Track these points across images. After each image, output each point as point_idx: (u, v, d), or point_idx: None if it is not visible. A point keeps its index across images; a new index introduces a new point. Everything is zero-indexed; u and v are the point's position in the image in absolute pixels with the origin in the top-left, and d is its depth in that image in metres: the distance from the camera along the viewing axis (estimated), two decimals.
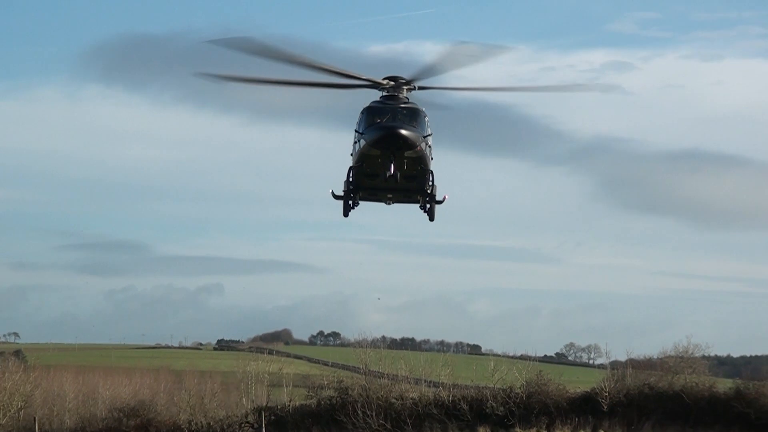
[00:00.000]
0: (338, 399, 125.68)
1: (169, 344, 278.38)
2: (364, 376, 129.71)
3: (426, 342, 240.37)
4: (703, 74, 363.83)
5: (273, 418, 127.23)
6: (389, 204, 58.41)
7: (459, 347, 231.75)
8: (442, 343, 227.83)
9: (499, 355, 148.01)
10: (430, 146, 54.21)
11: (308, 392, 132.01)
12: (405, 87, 53.53)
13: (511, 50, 55.32)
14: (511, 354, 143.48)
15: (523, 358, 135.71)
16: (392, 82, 53.42)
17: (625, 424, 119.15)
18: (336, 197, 57.29)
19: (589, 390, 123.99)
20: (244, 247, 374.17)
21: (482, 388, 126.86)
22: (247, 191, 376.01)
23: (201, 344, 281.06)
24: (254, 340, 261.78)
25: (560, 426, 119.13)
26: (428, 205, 56.89)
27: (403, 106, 53.07)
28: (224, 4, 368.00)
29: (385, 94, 53.84)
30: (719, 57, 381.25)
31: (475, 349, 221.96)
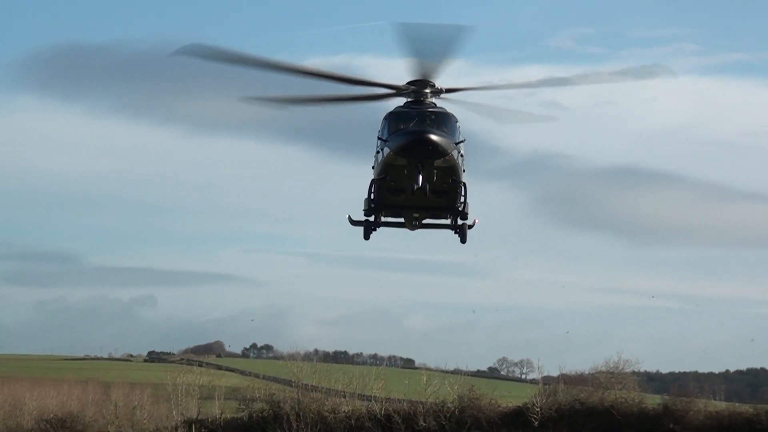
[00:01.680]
0: (270, 412, 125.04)
1: (99, 356, 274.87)
2: (296, 389, 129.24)
3: (359, 355, 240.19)
4: (638, 91, 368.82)
5: (204, 430, 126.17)
6: (414, 228, 52.19)
7: (392, 361, 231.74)
8: (375, 356, 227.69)
9: (432, 369, 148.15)
10: (462, 155, 48.41)
11: (240, 405, 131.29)
12: (431, 91, 48.58)
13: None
14: (444, 368, 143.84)
15: (455, 372, 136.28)
16: (417, 87, 48.57)
17: None
18: (354, 223, 51.52)
19: (520, 405, 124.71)
20: (178, 259, 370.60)
21: (415, 401, 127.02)
22: (183, 203, 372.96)
23: (131, 356, 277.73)
24: (185, 352, 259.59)
25: None
26: (459, 225, 50.68)
27: (431, 110, 47.92)
28: (161, 16, 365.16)
29: (409, 99, 48.85)
30: (654, 74, 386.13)
31: (408, 363, 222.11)
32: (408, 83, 48.55)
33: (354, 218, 51.51)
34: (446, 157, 46.80)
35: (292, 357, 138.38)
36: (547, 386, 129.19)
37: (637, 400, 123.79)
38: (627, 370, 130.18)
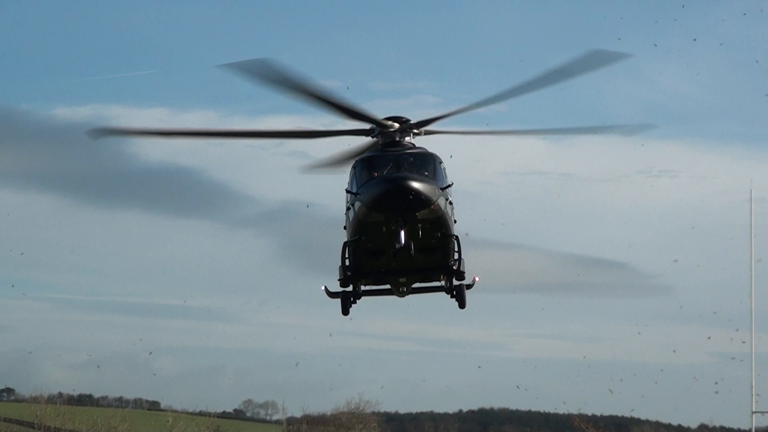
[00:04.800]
0: None
1: None
2: None
3: (104, 398, 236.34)
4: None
5: None
6: (403, 295, 43.15)
7: (138, 403, 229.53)
8: (120, 399, 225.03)
9: (177, 411, 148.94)
10: (451, 203, 40.15)
11: None
12: (412, 131, 41.20)
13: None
14: (190, 410, 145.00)
15: (202, 414, 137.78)
16: (395, 125, 41.02)
17: None
18: (331, 295, 42.13)
19: None
20: None
21: None
22: None
23: None
24: None
25: None
26: (456, 286, 41.67)
27: (408, 151, 39.86)
28: None
29: (381, 142, 40.90)
30: None
31: (153, 405, 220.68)
32: (386, 119, 41.18)
33: (331, 290, 42.47)
34: (431, 207, 38.45)
35: (35, 400, 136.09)
36: (291, 426, 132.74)
37: None
38: (368, 411, 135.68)
